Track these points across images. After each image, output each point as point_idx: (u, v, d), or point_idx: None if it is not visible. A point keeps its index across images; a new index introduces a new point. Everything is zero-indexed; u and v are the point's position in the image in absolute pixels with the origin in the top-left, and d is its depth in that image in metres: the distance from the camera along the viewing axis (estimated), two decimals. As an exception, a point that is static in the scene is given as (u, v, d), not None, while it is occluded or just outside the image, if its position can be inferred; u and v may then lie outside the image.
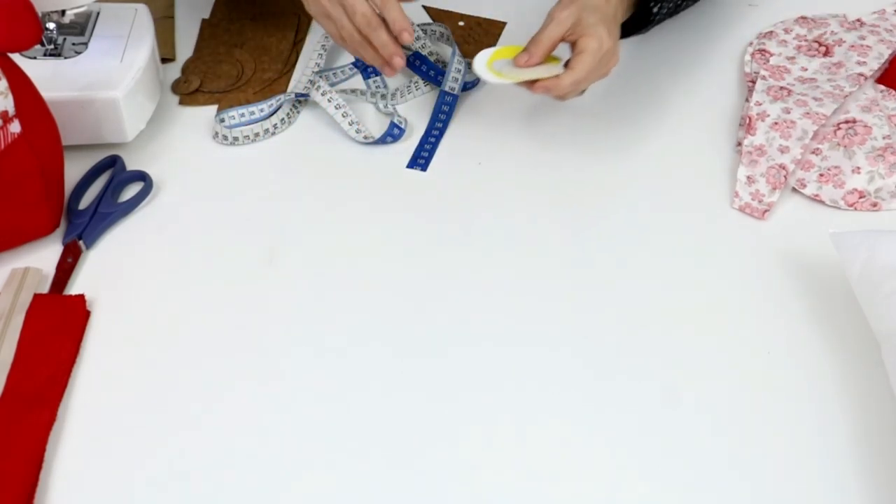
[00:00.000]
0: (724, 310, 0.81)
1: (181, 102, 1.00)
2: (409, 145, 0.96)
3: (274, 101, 0.98)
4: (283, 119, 0.97)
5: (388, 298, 0.82)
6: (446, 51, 1.05)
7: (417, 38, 1.04)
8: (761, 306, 0.82)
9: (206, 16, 1.10)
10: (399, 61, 0.89)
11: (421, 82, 1.02)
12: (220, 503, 0.68)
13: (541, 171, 0.94)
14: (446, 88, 0.99)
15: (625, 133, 0.98)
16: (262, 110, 0.97)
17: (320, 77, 0.99)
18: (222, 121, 0.96)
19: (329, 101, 0.96)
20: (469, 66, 1.03)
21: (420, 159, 0.95)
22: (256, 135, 0.95)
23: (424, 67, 1.02)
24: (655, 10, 0.90)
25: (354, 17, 0.87)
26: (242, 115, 0.96)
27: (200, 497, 0.69)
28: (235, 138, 0.95)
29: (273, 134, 0.96)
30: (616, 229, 0.88)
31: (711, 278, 0.84)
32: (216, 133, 0.95)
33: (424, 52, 1.03)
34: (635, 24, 0.97)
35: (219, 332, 0.79)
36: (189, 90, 1.00)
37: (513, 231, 0.88)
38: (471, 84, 1.02)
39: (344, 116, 0.96)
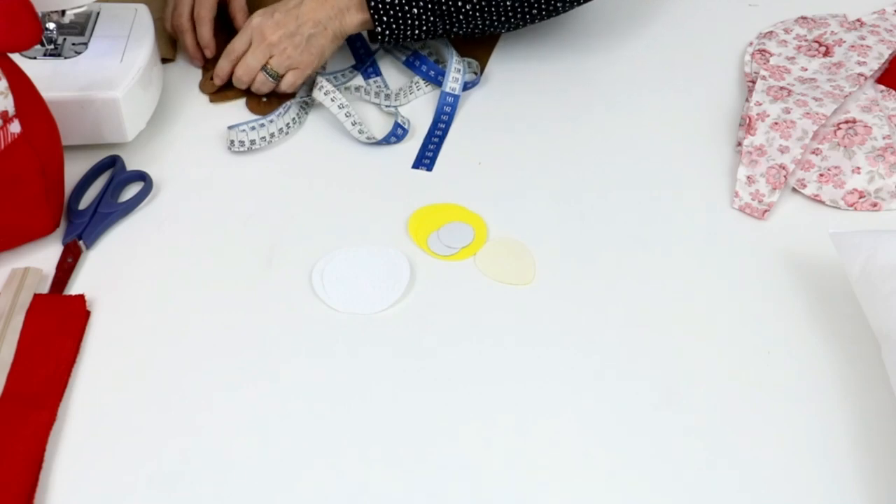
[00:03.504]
0: (724, 309, 0.81)
1: (212, 100, 1.01)
2: (412, 145, 0.96)
3: (282, 110, 0.97)
4: (294, 119, 0.97)
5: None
6: (446, 51, 1.05)
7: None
8: (761, 306, 0.82)
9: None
10: (197, 63, 1.04)
11: (422, 82, 1.02)
12: (221, 503, 0.69)
13: (541, 171, 0.94)
14: (447, 89, 0.99)
15: (625, 133, 0.98)
16: (271, 121, 0.96)
17: (324, 78, 0.99)
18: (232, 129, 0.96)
19: (332, 100, 0.96)
20: (469, 65, 1.03)
21: (425, 159, 0.95)
22: (272, 135, 0.95)
23: (424, 68, 1.02)
24: (379, 30, 0.95)
25: (173, 12, 1.03)
26: (253, 127, 0.95)
27: (200, 497, 0.69)
28: (252, 141, 0.94)
29: (286, 133, 0.96)
30: (616, 229, 0.88)
31: (711, 278, 0.84)
32: (231, 142, 0.94)
33: (424, 53, 1.03)
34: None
35: (218, 333, 0.79)
36: (216, 88, 1.01)
37: (512, 230, 0.88)
38: (471, 84, 1.02)
39: (347, 116, 0.96)
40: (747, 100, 0.99)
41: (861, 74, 0.99)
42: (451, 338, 0.79)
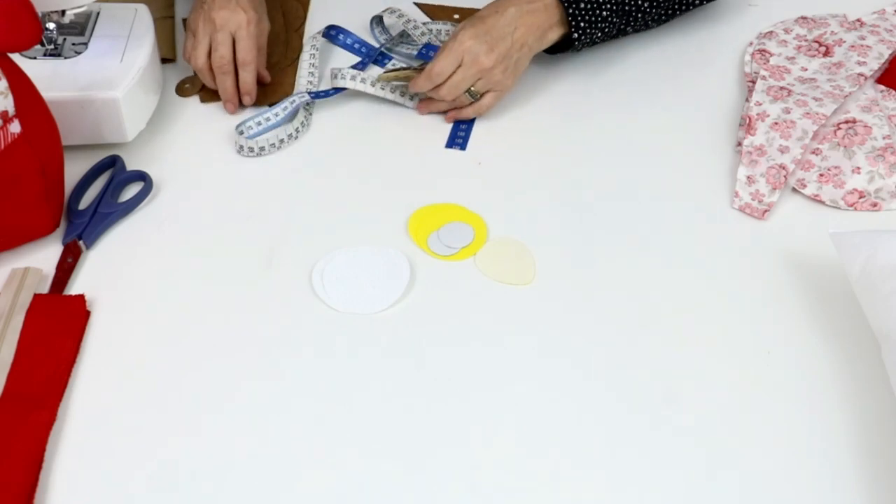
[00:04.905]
0: (724, 309, 0.81)
1: (202, 100, 1.00)
2: (413, 145, 0.96)
3: (287, 104, 0.97)
4: (302, 122, 0.97)
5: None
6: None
7: (423, 35, 1.04)
8: (761, 306, 0.82)
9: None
10: (231, 107, 0.98)
11: None
12: (221, 503, 0.69)
13: (541, 171, 0.94)
14: None
15: (625, 133, 0.98)
16: (276, 115, 0.96)
17: (341, 68, 1.00)
18: (241, 133, 0.95)
19: (372, 85, 0.98)
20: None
21: (458, 138, 0.97)
22: (281, 141, 0.95)
23: (432, 55, 1.02)
24: (576, 35, 0.96)
25: (214, 53, 0.96)
26: (259, 122, 0.95)
27: (200, 497, 0.69)
28: (262, 148, 0.94)
29: (296, 138, 0.96)
30: (616, 228, 0.88)
31: (711, 278, 0.84)
32: (241, 147, 0.94)
33: (436, 44, 1.03)
34: (566, 44, 1.00)
35: (218, 332, 0.79)
36: (194, 92, 1.00)
37: (512, 230, 0.88)
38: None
39: (392, 91, 0.98)
40: (747, 100, 0.99)
41: (861, 74, 0.99)
42: (451, 338, 0.79)
